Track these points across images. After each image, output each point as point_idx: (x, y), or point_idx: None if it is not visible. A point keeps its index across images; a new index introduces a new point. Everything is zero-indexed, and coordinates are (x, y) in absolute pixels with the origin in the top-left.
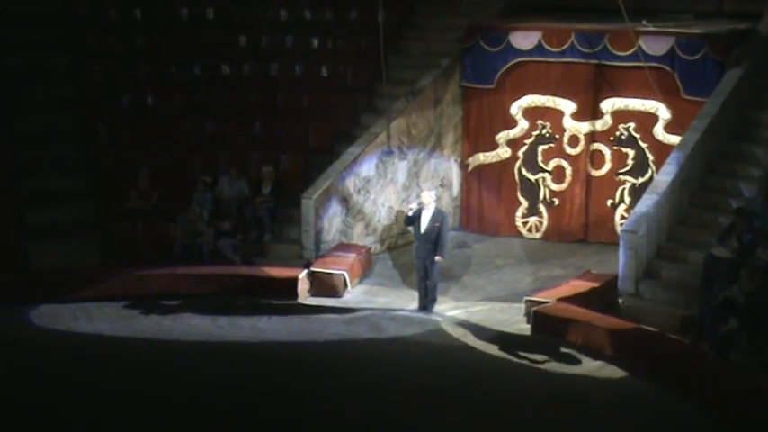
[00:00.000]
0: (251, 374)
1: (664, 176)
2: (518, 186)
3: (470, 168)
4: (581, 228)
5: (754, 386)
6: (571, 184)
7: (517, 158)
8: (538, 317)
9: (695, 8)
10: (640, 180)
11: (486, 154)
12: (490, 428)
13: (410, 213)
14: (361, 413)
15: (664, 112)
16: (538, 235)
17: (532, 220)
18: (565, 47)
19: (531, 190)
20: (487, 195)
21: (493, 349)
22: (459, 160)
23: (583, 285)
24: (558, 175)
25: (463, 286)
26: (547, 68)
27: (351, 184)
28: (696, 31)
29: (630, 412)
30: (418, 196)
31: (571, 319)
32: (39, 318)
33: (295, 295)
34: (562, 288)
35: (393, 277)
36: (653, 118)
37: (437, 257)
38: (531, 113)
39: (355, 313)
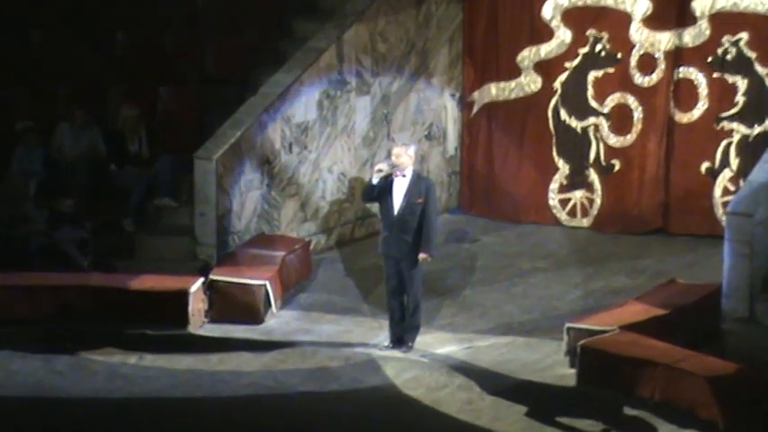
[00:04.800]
0: None
1: None
2: (554, 139)
3: (476, 109)
4: (658, 209)
5: None
6: (641, 137)
7: (552, 93)
8: (588, 356)
9: None
10: (757, 130)
11: (502, 85)
12: None
13: (374, 181)
14: None
15: None
16: (586, 221)
17: (578, 195)
18: None
19: (575, 145)
20: (503, 154)
21: (513, 410)
22: (456, 95)
23: (662, 304)
24: (621, 120)
25: (464, 306)
26: None
27: (276, 135)
28: None
29: None
30: (389, 154)
31: (643, 359)
32: None
33: (184, 321)
34: (627, 309)
35: (346, 291)
36: None
37: (421, 256)
38: (577, 18)
39: (285, 350)
